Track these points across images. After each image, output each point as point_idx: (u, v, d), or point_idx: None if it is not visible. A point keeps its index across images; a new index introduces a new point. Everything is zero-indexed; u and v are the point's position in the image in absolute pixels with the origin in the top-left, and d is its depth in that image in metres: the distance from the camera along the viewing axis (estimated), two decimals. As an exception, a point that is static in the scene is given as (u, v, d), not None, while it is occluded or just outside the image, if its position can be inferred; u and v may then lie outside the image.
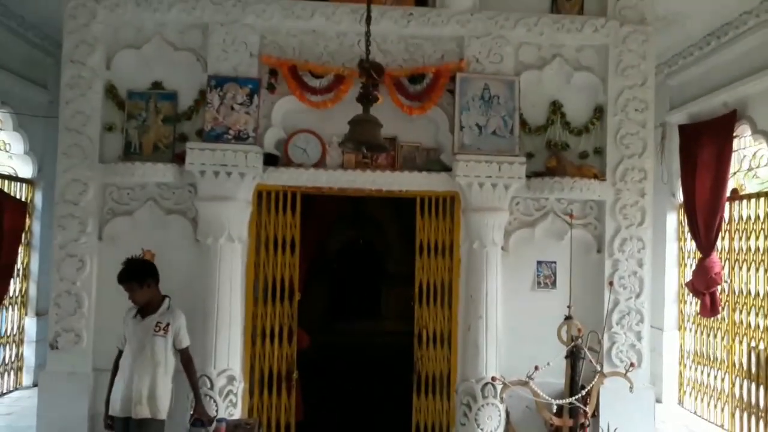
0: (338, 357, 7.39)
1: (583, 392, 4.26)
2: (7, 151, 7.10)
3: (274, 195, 4.60)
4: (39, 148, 7.12)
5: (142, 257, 4.14)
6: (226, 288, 4.38)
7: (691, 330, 7.76)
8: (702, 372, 7.42)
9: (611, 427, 4.40)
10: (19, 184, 7.45)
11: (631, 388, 4.17)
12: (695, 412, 7.43)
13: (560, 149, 4.66)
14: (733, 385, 6.85)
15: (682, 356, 7.77)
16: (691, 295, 6.34)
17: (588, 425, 4.35)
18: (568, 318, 4.38)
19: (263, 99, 4.53)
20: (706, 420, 7.19)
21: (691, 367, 7.73)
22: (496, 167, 4.39)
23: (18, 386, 7.48)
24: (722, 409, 7.03)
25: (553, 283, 4.71)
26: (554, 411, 4.38)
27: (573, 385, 4.34)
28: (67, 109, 4.52)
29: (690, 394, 7.70)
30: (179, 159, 4.46)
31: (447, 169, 4.58)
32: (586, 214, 4.71)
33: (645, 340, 4.65)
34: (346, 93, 4.44)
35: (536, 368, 4.16)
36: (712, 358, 7.25)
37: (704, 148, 5.59)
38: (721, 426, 6.95)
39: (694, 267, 6.04)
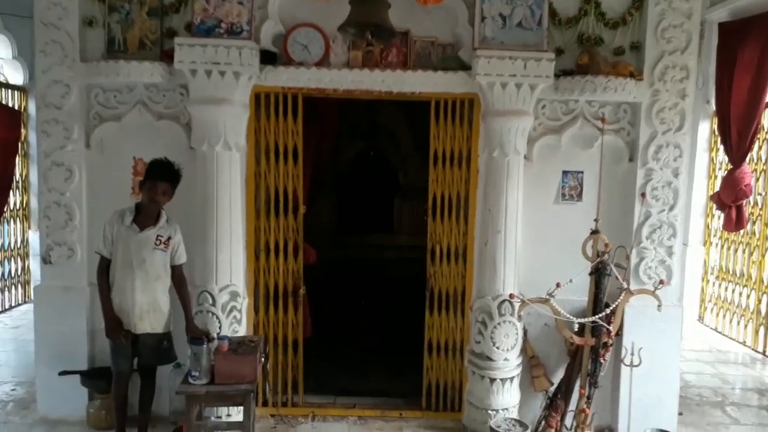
0: (348, 272, 7.20)
1: (608, 310, 3.99)
2: (-5, 57, 6.69)
3: (273, 98, 4.18)
4: (28, 53, 6.71)
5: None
6: (225, 199, 4.06)
7: (716, 245, 7.45)
8: (726, 288, 7.18)
9: (635, 347, 4.16)
10: (11, 91, 7.09)
11: (659, 306, 3.88)
12: (716, 329, 7.26)
13: (593, 44, 4.13)
14: (759, 301, 6.59)
15: (706, 272, 7.50)
16: (716, 207, 5.93)
17: (611, 345, 4.11)
18: (594, 232, 4.03)
19: (258, -14, 4.02)
20: (727, 337, 7.02)
21: (714, 283, 7.49)
22: (521, 64, 3.90)
23: (26, 300, 7.45)
24: (745, 326, 6.83)
25: (579, 195, 4.33)
26: (575, 330, 4.13)
27: (597, 303, 4.06)
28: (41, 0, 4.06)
29: (711, 310, 7.49)
30: (167, 57, 4.02)
31: (466, 67, 4.09)
32: (619, 119, 4.25)
33: (676, 256, 4.31)
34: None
35: (558, 285, 3.87)
36: (738, 274, 6.98)
37: (745, 48, 4.99)
38: (743, 343, 6.77)
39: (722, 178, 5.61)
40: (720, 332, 7.13)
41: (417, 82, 4.09)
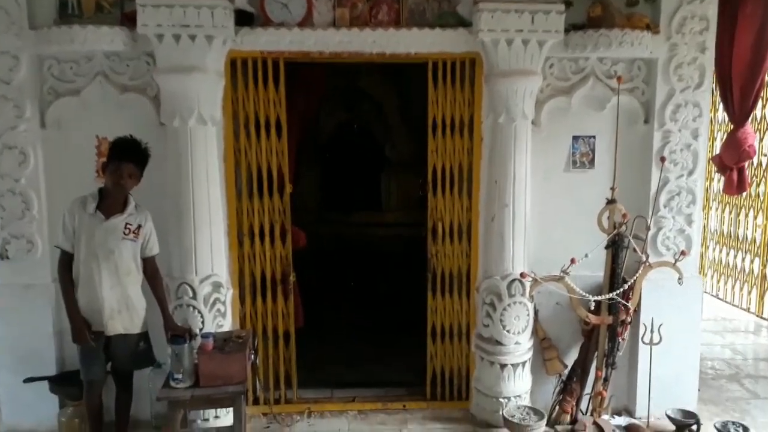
0: (335, 251, 6.83)
1: (626, 286, 3.69)
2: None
3: (251, 64, 3.72)
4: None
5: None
6: (201, 180, 3.63)
7: (716, 209, 7.22)
8: (727, 254, 6.97)
9: (655, 323, 3.87)
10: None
11: (680, 279, 3.61)
12: (717, 296, 7.06)
13: (605, -5, 3.75)
14: (765, 266, 6.37)
15: (705, 237, 7.27)
16: (716, 170, 5.63)
17: (629, 322, 3.82)
18: (610, 202, 3.71)
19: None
20: (730, 303, 6.82)
21: (714, 249, 7.27)
22: (528, 18, 3.50)
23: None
24: (749, 292, 6.62)
25: (591, 162, 3.98)
26: (591, 308, 3.82)
27: (614, 278, 3.76)
28: (-23, -43, 3.53)
29: (712, 276, 7.29)
30: (129, 20, 3.54)
31: (465, 24, 3.68)
32: (633, 77, 3.89)
33: (696, 224, 4.00)
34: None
35: (572, 261, 3.58)
36: (740, 239, 6.75)
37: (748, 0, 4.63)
38: (747, 309, 6.57)
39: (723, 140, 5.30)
40: (722, 299, 6.93)
41: (412, 42, 3.67)
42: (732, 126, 4.90)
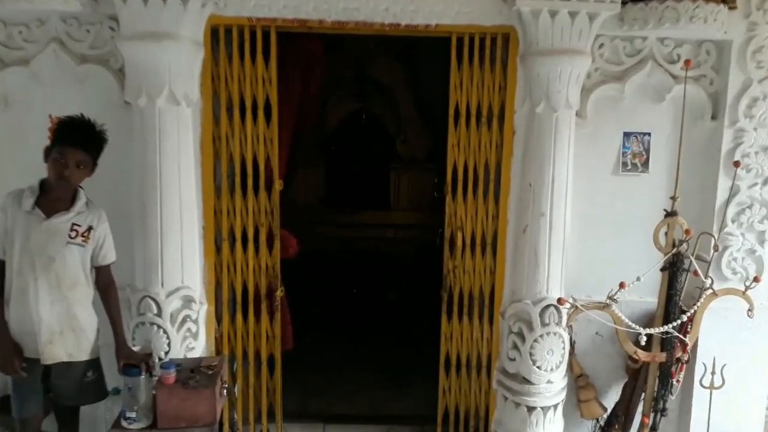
0: (338, 254, 6.20)
1: (684, 317, 3.01)
2: None
3: (236, 33, 3.06)
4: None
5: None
6: (172, 172, 2.99)
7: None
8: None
9: (717, 363, 3.19)
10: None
11: (750, 310, 2.95)
12: None
13: (671, -41, 3.06)
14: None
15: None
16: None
17: (687, 361, 3.14)
18: (670, 214, 3.02)
19: None
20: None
21: None
22: (577, -15, 2.83)
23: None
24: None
25: (645, 164, 3.30)
26: (641, 342, 3.14)
27: (669, 306, 3.08)
28: None
29: None
30: (88, -26, 2.90)
31: (498, -9, 3.01)
32: (700, 62, 3.19)
33: (768, 244, 3.32)
34: None
35: (621, 286, 2.92)
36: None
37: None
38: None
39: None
40: None
41: (433, 11, 2.99)
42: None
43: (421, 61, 5.98)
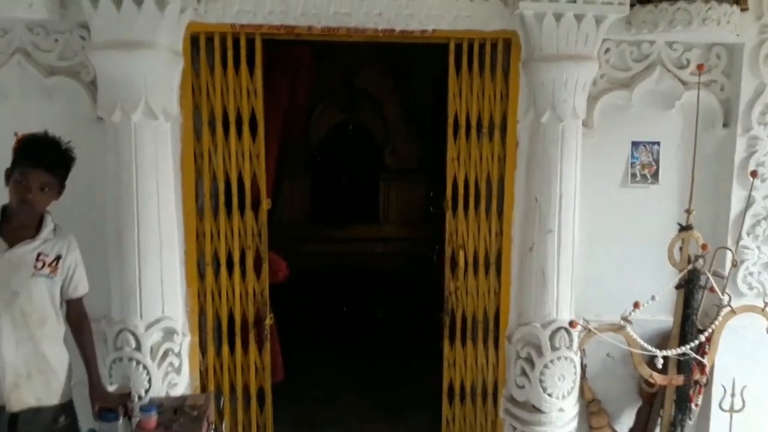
0: (325, 271, 5.97)
1: (702, 337, 2.83)
2: None
3: (218, 41, 2.84)
4: None
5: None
6: (150, 192, 2.74)
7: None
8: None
9: (736, 385, 3.01)
10: None
11: (769, 329, 2.77)
12: None
13: (680, -42, 2.90)
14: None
15: None
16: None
17: (705, 384, 2.97)
18: (684, 228, 2.85)
19: None
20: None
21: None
22: (583, -13, 2.65)
23: None
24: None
25: (654, 175, 3.12)
26: (658, 365, 2.95)
27: (686, 326, 2.90)
28: None
29: None
30: (54, -21, 2.66)
31: (499, -7, 2.82)
32: (710, 67, 3.03)
33: (786, 257, 3.16)
34: None
35: (636, 306, 2.74)
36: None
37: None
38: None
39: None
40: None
41: (430, 16, 2.80)
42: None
43: (409, 68, 5.79)
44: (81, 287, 2.47)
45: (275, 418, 3.23)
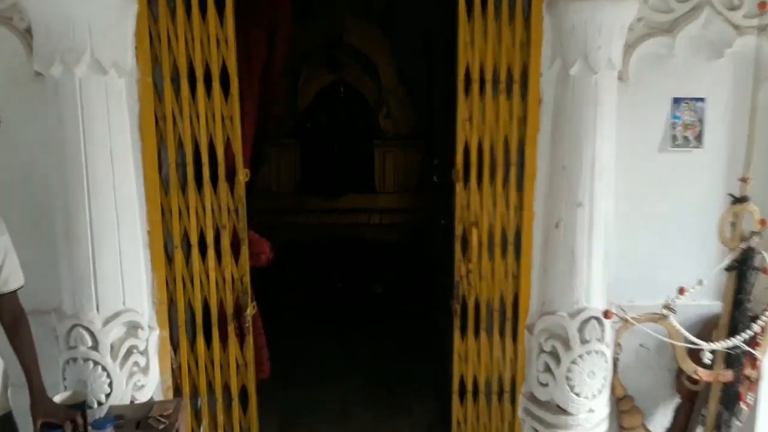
0: (317, 246, 5.56)
1: (756, 326, 2.43)
2: None
3: (180, -21, 2.35)
4: None
5: None
6: (102, 163, 2.29)
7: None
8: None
9: (790, 379, 2.62)
10: None
11: (830, 316, 2.38)
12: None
13: None
14: None
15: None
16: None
17: (757, 379, 2.58)
18: (738, 200, 2.43)
19: None
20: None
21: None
22: None
23: None
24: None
25: (699, 138, 2.67)
26: (706, 359, 2.55)
27: (737, 313, 2.50)
28: None
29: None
30: None
31: None
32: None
33: None
34: None
35: (681, 291, 2.35)
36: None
37: None
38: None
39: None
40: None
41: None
42: None
43: (395, 23, 5.30)
44: (13, 280, 2.02)
45: (262, 411, 2.83)
